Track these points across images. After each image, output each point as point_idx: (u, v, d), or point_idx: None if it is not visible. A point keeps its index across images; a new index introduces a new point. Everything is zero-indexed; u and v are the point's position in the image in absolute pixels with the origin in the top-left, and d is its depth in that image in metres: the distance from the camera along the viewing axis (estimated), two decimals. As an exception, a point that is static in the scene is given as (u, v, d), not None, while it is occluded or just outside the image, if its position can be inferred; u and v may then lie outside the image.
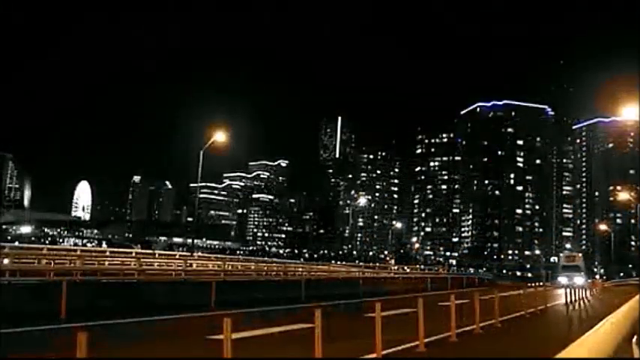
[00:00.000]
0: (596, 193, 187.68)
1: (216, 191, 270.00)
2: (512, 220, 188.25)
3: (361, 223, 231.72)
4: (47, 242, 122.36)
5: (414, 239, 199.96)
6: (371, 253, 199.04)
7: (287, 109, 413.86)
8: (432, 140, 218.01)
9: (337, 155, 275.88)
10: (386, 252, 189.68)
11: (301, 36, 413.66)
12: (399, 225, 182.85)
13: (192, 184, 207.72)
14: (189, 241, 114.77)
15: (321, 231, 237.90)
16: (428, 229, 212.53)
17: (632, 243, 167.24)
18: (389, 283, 36.18)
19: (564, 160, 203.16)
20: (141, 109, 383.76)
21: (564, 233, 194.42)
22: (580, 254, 66.97)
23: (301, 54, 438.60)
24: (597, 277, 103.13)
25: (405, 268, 70.78)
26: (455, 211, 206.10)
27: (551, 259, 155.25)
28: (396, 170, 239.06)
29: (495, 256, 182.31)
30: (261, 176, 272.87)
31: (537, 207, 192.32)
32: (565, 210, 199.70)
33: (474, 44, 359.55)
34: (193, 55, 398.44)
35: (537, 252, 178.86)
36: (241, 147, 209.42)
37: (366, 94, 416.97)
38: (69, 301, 13.59)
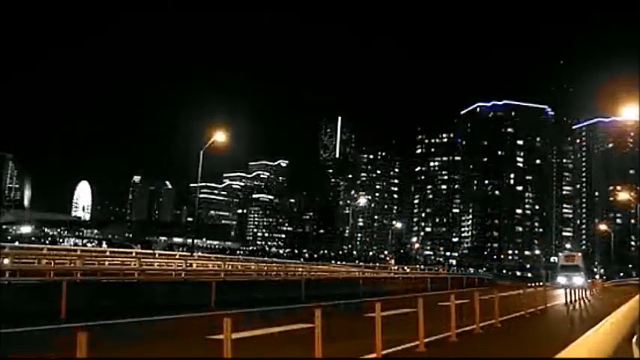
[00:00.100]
0: (596, 193, 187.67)
1: (216, 191, 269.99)
2: (512, 220, 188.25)
3: (361, 223, 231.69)
4: (47, 242, 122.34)
5: (414, 239, 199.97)
6: (371, 253, 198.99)
7: (287, 109, 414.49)
8: (432, 140, 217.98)
9: (337, 155, 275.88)
10: (386, 252, 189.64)
11: (301, 36, 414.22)
12: (399, 225, 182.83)
13: (192, 184, 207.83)
14: (189, 241, 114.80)
15: (321, 231, 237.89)
16: (428, 229, 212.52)
17: (632, 243, 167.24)
18: (389, 283, 36.17)
19: (564, 160, 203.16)
20: (141, 109, 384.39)
21: (564, 233, 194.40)
22: (579, 254, 65.69)
23: (301, 54, 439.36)
24: (597, 277, 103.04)
25: (405, 268, 70.75)
26: (455, 211, 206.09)
27: (551, 259, 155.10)
28: (396, 170, 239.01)
29: (495, 256, 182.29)
30: (261, 176, 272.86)
31: (537, 207, 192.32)
32: (565, 210, 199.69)
33: (474, 44, 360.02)
34: (193, 55, 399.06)
35: (537, 252, 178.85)
36: (241, 147, 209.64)
37: (366, 94, 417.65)
38: (69, 301, 13.58)
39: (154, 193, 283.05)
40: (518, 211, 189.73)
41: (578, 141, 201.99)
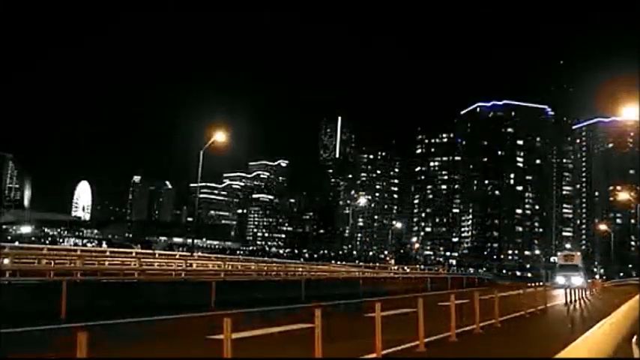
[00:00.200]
0: (596, 193, 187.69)
1: (216, 191, 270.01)
2: (512, 220, 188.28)
3: (361, 223, 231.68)
4: (47, 242, 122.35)
5: (414, 239, 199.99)
6: (371, 253, 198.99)
7: (287, 109, 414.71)
8: (432, 140, 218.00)
9: (337, 155, 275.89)
10: (386, 252, 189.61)
11: (301, 36, 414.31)
12: (399, 225, 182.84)
13: (192, 184, 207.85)
14: (190, 241, 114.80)
15: (321, 231, 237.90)
16: (428, 229, 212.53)
17: (632, 243, 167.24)
18: (389, 283, 36.17)
19: (564, 160, 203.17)
20: (141, 109, 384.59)
21: (564, 233, 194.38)
22: (578, 253, 64.87)
23: (301, 54, 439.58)
24: (597, 276, 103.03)
25: (405, 268, 70.74)
26: (455, 211, 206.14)
27: (551, 259, 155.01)
28: (396, 170, 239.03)
29: (495, 256, 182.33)
30: (261, 176, 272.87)
31: (537, 207, 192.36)
32: (565, 210, 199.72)
33: (474, 44, 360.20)
34: (193, 55, 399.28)
35: (537, 252, 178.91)
36: (241, 147, 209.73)
37: (366, 94, 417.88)
38: (69, 301, 13.58)
39: (154, 193, 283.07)
40: (518, 211, 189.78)
41: (578, 141, 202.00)
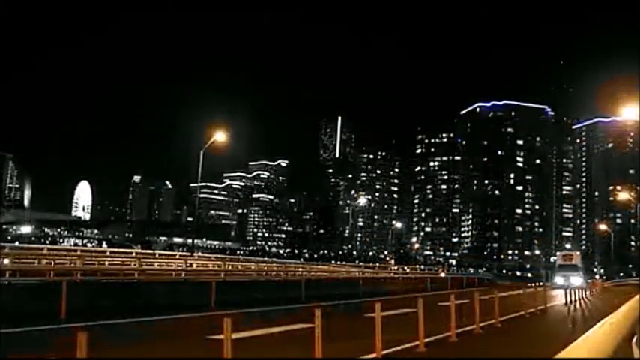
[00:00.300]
0: (596, 193, 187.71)
1: (216, 191, 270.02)
2: (512, 220, 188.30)
3: (361, 223, 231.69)
4: (47, 242, 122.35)
5: (414, 239, 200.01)
6: (371, 253, 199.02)
7: (287, 109, 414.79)
8: (432, 140, 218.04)
9: (337, 155, 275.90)
10: (386, 252, 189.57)
11: (301, 36, 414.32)
12: (399, 225, 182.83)
13: (192, 184, 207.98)
14: (190, 241, 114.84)
15: (321, 231, 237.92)
16: (428, 229, 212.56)
17: (632, 243, 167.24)
18: (389, 283, 36.19)
19: (564, 160, 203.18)
20: (141, 109, 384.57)
21: (564, 233, 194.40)
22: (578, 252, 63.29)
23: (301, 54, 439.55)
24: (597, 276, 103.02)
25: (405, 268, 70.79)
26: (455, 211, 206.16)
27: (551, 259, 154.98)
28: (396, 170, 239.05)
29: (495, 256, 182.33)
30: (261, 176, 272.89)
31: (537, 207, 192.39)
32: (565, 210, 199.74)
33: (474, 44, 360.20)
34: (193, 55, 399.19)
35: (537, 252, 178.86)
36: (241, 147, 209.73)
37: (366, 94, 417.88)
38: (69, 301, 13.58)
39: (154, 193, 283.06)
40: (518, 211, 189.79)
41: (578, 141, 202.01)
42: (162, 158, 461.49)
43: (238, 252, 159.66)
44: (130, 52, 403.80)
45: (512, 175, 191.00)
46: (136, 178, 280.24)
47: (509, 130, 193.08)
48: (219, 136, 38.04)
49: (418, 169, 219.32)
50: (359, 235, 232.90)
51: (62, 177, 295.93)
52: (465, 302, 14.69)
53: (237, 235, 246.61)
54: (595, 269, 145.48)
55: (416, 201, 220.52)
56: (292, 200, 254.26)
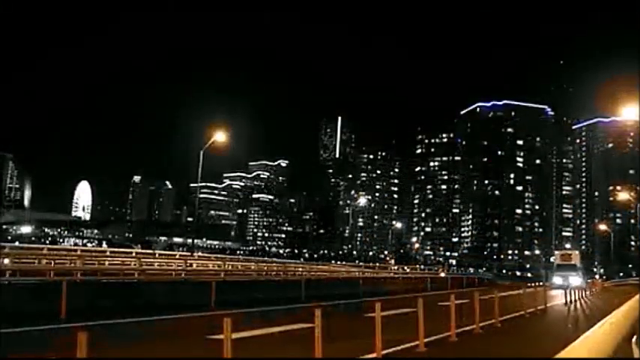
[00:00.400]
0: (596, 193, 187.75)
1: (216, 191, 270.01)
2: (512, 220, 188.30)
3: (361, 223, 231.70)
4: (47, 242, 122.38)
5: (414, 239, 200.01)
6: (371, 253, 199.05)
7: (287, 109, 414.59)
8: (432, 140, 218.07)
9: (337, 155, 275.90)
10: (386, 252, 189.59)
11: (301, 36, 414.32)
12: (399, 225, 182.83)
13: (192, 184, 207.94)
14: (190, 241, 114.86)
15: (321, 231, 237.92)
16: (428, 229, 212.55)
17: (632, 243, 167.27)
18: (389, 283, 36.20)
19: (564, 160, 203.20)
20: (141, 109, 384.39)
21: (564, 233, 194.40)
22: (577, 252, 61.46)
23: (301, 54, 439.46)
24: (597, 276, 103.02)
25: (405, 268, 70.81)
26: (455, 211, 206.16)
27: (551, 259, 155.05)
28: (396, 170, 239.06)
29: (495, 256, 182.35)
30: (261, 176, 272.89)
31: (537, 207, 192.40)
32: (565, 210, 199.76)
33: (474, 44, 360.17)
34: (193, 55, 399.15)
35: (537, 252, 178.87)
36: (241, 147, 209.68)
37: (366, 94, 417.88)
38: (69, 301, 13.58)
39: (154, 193, 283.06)
40: (518, 211, 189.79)
41: (578, 141, 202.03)
42: (162, 158, 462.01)
43: (238, 252, 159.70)
44: (130, 52, 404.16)
45: (512, 175, 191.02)
46: (136, 178, 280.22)
47: (509, 130, 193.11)
48: (219, 136, 38.05)
49: (418, 169, 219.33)
50: (359, 235, 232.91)
51: (62, 177, 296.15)
52: (464, 302, 14.69)
53: (237, 235, 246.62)
54: (595, 269, 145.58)
55: (416, 201, 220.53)
56: (292, 200, 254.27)
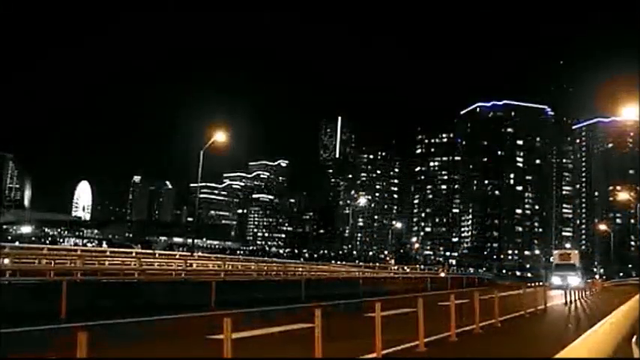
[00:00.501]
0: (596, 193, 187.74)
1: (216, 191, 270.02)
2: (512, 220, 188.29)
3: (361, 223, 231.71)
4: (47, 242, 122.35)
5: (414, 239, 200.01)
6: (371, 253, 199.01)
7: (287, 109, 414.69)
8: (432, 140, 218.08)
9: (337, 155, 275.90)
10: (386, 252, 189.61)
11: (301, 36, 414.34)
12: (399, 225, 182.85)
13: (192, 184, 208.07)
14: (190, 241, 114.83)
15: (321, 231, 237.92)
16: (428, 229, 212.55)
17: (632, 243, 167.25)
18: (389, 283, 36.20)
19: (564, 160, 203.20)
20: (141, 109, 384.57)
21: (564, 233, 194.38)
22: (576, 251, 60.81)
23: (301, 54, 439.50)
24: (597, 276, 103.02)
25: (405, 268, 70.82)
26: (455, 211, 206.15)
27: (551, 259, 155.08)
28: (396, 170, 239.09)
29: (495, 256, 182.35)
30: (261, 176, 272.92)
31: (537, 207, 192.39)
32: (565, 210, 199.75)
33: (474, 44, 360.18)
34: (193, 55, 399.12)
35: (537, 252, 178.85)
36: (241, 147, 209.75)
37: (366, 94, 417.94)
38: (69, 301, 13.58)
39: (154, 193, 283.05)
40: (518, 211, 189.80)
41: (578, 141, 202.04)
42: (162, 158, 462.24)
43: (238, 252, 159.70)
44: (130, 52, 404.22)
45: (512, 175, 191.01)
46: (136, 178, 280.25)
47: (509, 130, 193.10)
48: (219, 136, 38.05)
49: (418, 169, 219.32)
50: (359, 235, 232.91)
51: (62, 177, 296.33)
52: (464, 302, 14.69)
53: (237, 235, 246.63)
54: (595, 269, 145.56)
55: (416, 201, 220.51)
56: (292, 200, 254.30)
